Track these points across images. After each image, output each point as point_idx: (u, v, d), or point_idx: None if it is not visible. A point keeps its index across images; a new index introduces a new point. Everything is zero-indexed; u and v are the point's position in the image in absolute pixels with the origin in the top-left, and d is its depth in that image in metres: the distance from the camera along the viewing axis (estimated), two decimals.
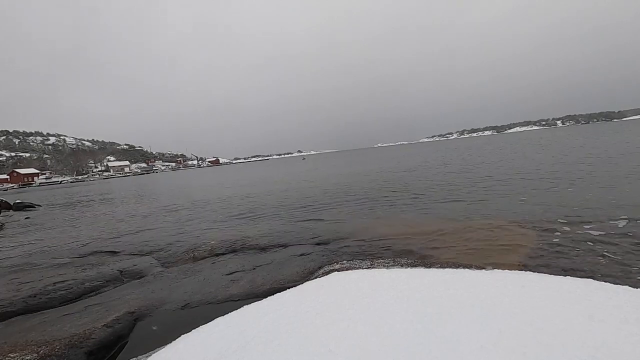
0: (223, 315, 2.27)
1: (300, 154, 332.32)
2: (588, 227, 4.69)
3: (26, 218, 13.63)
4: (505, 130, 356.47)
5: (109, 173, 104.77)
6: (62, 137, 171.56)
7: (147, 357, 2.31)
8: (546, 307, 1.61)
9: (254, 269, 4.39)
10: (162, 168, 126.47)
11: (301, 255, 4.78)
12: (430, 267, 3.36)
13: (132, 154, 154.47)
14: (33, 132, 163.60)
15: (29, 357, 2.51)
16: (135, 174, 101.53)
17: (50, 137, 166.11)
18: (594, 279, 2.17)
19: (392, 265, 3.59)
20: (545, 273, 2.33)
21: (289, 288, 2.67)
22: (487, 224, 5.36)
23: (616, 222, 4.73)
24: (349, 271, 2.96)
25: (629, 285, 1.90)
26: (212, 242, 6.11)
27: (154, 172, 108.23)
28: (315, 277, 3.55)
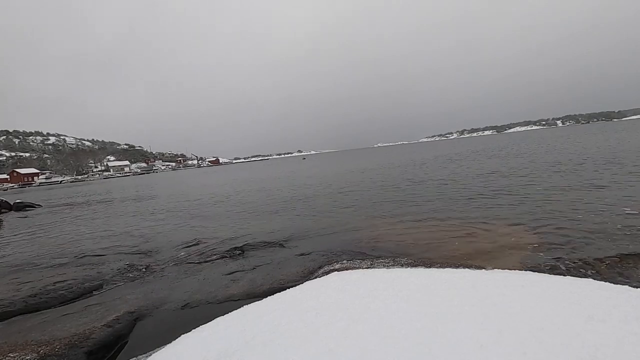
0: (223, 315, 2.27)
1: (300, 154, 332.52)
2: (588, 226, 4.69)
3: (26, 218, 13.63)
4: (506, 130, 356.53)
5: (109, 173, 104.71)
6: (62, 137, 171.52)
7: (147, 357, 2.31)
8: (546, 307, 1.62)
9: (254, 268, 4.39)
10: (162, 168, 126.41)
11: (301, 255, 4.78)
12: (430, 267, 3.36)
13: (132, 153, 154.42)
14: (33, 132, 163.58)
15: (29, 357, 2.51)
16: (135, 173, 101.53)
17: (50, 137, 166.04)
18: (594, 279, 2.18)
19: (392, 265, 3.59)
20: (545, 273, 2.33)
21: (289, 288, 2.67)
22: (487, 224, 5.37)
23: (616, 222, 4.72)
24: (349, 271, 2.96)
25: (629, 285, 1.91)
26: (212, 242, 6.11)
27: (153, 172, 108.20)
28: (315, 277, 3.55)
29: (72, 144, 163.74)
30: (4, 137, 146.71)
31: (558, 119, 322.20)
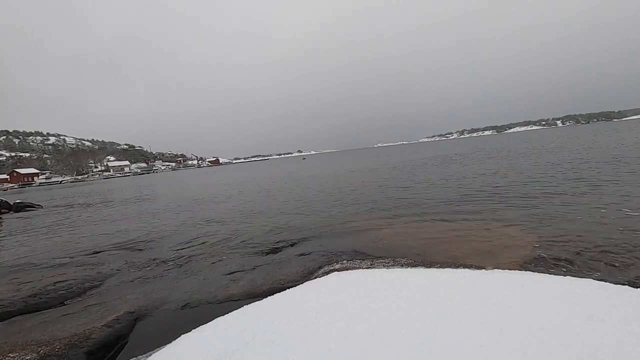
0: (223, 315, 2.28)
1: (300, 154, 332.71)
2: (589, 226, 4.69)
3: (26, 218, 13.63)
4: (505, 130, 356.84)
5: (109, 173, 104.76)
6: (62, 137, 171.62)
7: (147, 357, 2.31)
8: (546, 307, 1.62)
9: (254, 268, 4.39)
10: (162, 168, 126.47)
11: (301, 255, 4.78)
12: (430, 267, 3.36)
13: (132, 153, 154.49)
14: (33, 132, 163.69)
15: (29, 357, 2.51)
16: (135, 173, 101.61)
17: (50, 137, 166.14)
18: (594, 279, 2.18)
19: (392, 265, 3.59)
20: (545, 273, 2.33)
21: (289, 288, 2.67)
22: (488, 224, 5.36)
23: (617, 222, 4.72)
24: (349, 271, 2.96)
25: (629, 285, 1.91)
26: (212, 241, 6.11)
27: (154, 172, 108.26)
28: (315, 277, 3.55)
29: (72, 144, 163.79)
30: (4, 137, 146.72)
31: (558, 119, 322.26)
